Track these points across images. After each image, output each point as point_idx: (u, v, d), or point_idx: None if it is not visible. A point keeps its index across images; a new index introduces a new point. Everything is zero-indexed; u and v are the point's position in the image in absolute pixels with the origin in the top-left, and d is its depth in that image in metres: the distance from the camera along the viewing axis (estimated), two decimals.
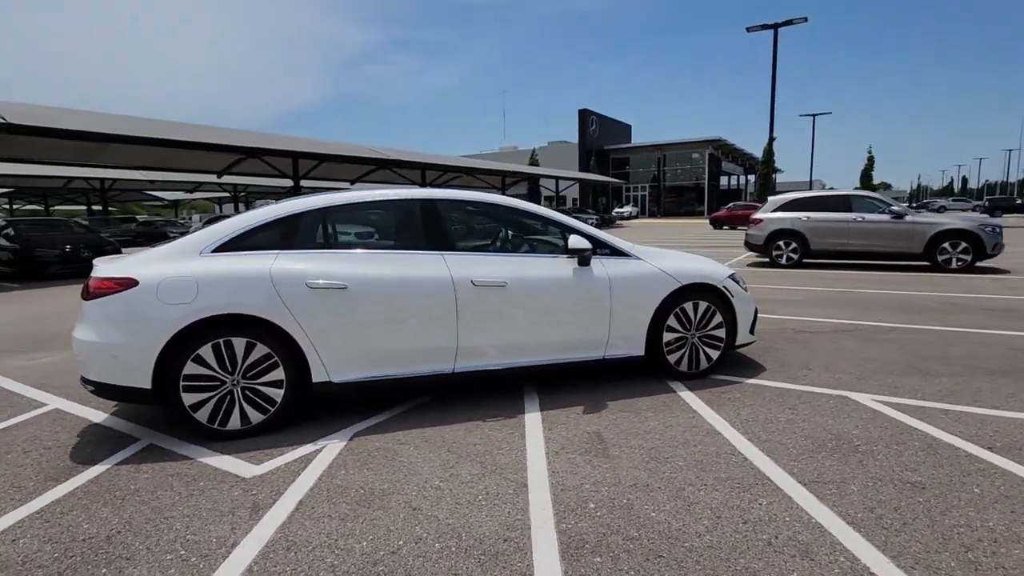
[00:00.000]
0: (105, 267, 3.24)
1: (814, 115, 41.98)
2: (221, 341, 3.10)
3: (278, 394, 3.23)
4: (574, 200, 51.86)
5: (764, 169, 32.22)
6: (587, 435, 3.18)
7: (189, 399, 3.08)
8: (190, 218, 45.00)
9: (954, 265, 10.08)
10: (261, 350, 3.16)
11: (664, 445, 3.03)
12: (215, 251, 3.26)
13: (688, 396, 3.79)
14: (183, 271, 3.12)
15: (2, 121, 10.70)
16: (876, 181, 46.55)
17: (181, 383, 3.06)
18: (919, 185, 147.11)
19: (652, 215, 55.07)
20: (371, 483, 2.67)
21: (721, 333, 4.15)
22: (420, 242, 3.62)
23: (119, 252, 8.44)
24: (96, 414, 3.68)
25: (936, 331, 5.56)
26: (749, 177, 68.91)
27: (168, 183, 33.38)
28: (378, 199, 3.73)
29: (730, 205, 32.33)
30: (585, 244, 3.75)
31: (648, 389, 3.94)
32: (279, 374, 3.21)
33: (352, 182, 27.96)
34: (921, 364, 4.43)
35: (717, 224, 30.16)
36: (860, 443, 2.99)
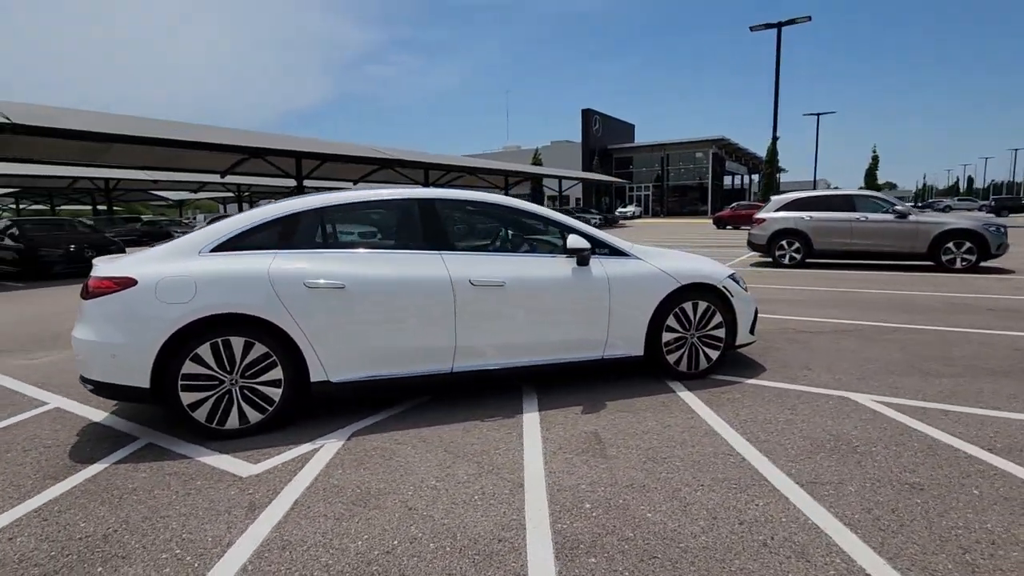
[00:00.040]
0: (104, 267, 3.25)
1: (818, 114, 41.86)
2: (219, 340, 3.10)
3: (276, 393, 3.24)
4: (577, 200, 51.80)
5: (768, 169, 32.09)
6: (585, 435, 3.18)
7: (187, 398, 3.09)
8: (194, 218, 45.18)
9: (958, 265, 10.03)
10: (259, 349, 3.17)
11: (662, 445, 3.02)
12: (213, 251, 3.27)
13: (687, 396, 3.78)
14: (181, 271, 3.12)
15: (6, 121, 10.76)
16: (881, 181, 46.40)
17: (179, 382, 3.07)
18: (924, 185, 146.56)
19: (655, 215, 54.96)
20: (367, 483, 2.67)
21: (721, 333, 4.14)
22: (418, 242, 3.62)
23: (123, 251, 8.46)
24: (96, 413, 3.69)
25: (938, 331, 5.53)
26: (753, 177, 68.65)
27: (173, 183, 33.54)
28: (376, 199, 3.74)
29: (734, 205, 32.25)
30: (584, 244, 3.74)
31: (647, 389, 3.93)
32: (277, 373, 3.22)
33: (355, 182, 28.02)
34: (923, 364, 4.41)
35: (720, 224, 30.10)
36: (859, 444, 2.98)
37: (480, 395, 3.85)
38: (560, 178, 38.21)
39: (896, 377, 4.10)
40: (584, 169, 50.41)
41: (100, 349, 3.08)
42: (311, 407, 3.61)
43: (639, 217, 50.41)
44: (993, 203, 40.71)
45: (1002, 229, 10.02)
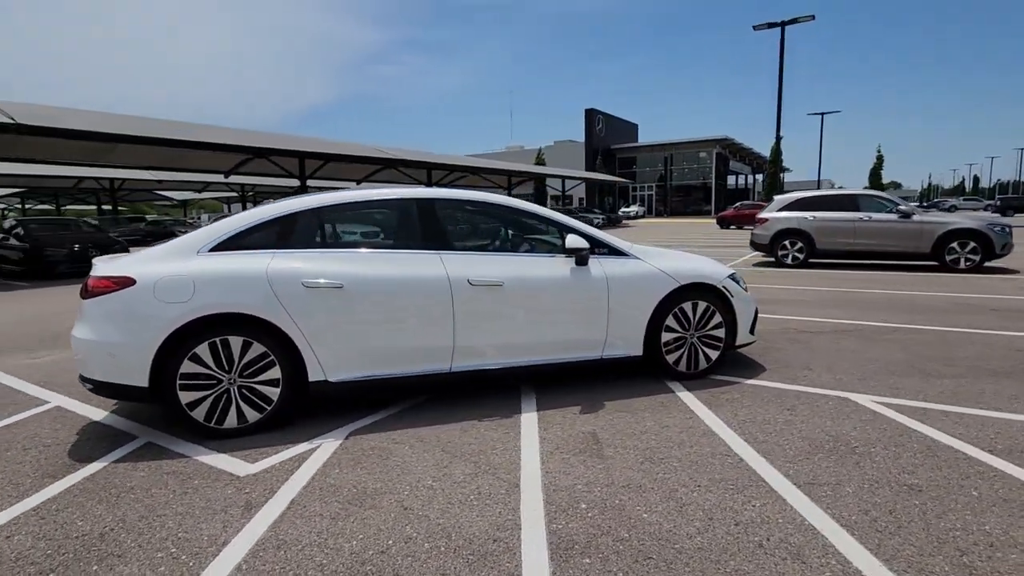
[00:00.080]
0: (103, 266, 3.27)
1: (822, 114, 41.74)
2: (218, 340, 3.11)
3: (274, 393, 3.25)
4: (580, 200, 51.78)
5: (772, 168, 31.99)
6: (582, 435, 3.17)
7: (186, 397, 3.10)
8: (199, 217, 45.34)
9: (962, 265, 9.97)
10: (257, 349, 3.18)
11: (659, 446, 3.01)
12: (212, 250, 3.28)
13: (686, 396, 3.77)
14: (180, 270, 3.13)
15: (11, 121, 10.82)
16: (886, 180, 46.12)
17: (178, 381, 3.08)
18: (930, 184, 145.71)
19: (659, 215, 54.87)
20: (364, 482, 2.67)
21: (720, 333, 4.13)
22: (417, 241, 3.62)
23: (127, 251, 8.50)
24: (96, 412, 3.71)
25: (941, 332, 5.50)
26: (757, 176, 68.46)
27: (177, 183, 33.64)
28: (375, 198, 3.74)
29: (737, 204, 32.16)
30: (582, 243, 3.74)
31: (646, 389, 3.92)
32: (275, 373, 3.23)
33: (359, 182, 28.06)
34: (924, 365, 4.38)
35: (724, 224, 30.02)
36: (858, 445, 2.96)
37: (478, 395, 3.85)
38: (563, 178, 38.18)
39: (897, 378, 4.08)
40: (587, 169, 50.37)
41: (99, 348, 3.10)
42: (309, 407, 3.62)
43: (642, 217, 50.32)
44: (999, 203, 40.46)
45: (1007, 229, 9.96)
